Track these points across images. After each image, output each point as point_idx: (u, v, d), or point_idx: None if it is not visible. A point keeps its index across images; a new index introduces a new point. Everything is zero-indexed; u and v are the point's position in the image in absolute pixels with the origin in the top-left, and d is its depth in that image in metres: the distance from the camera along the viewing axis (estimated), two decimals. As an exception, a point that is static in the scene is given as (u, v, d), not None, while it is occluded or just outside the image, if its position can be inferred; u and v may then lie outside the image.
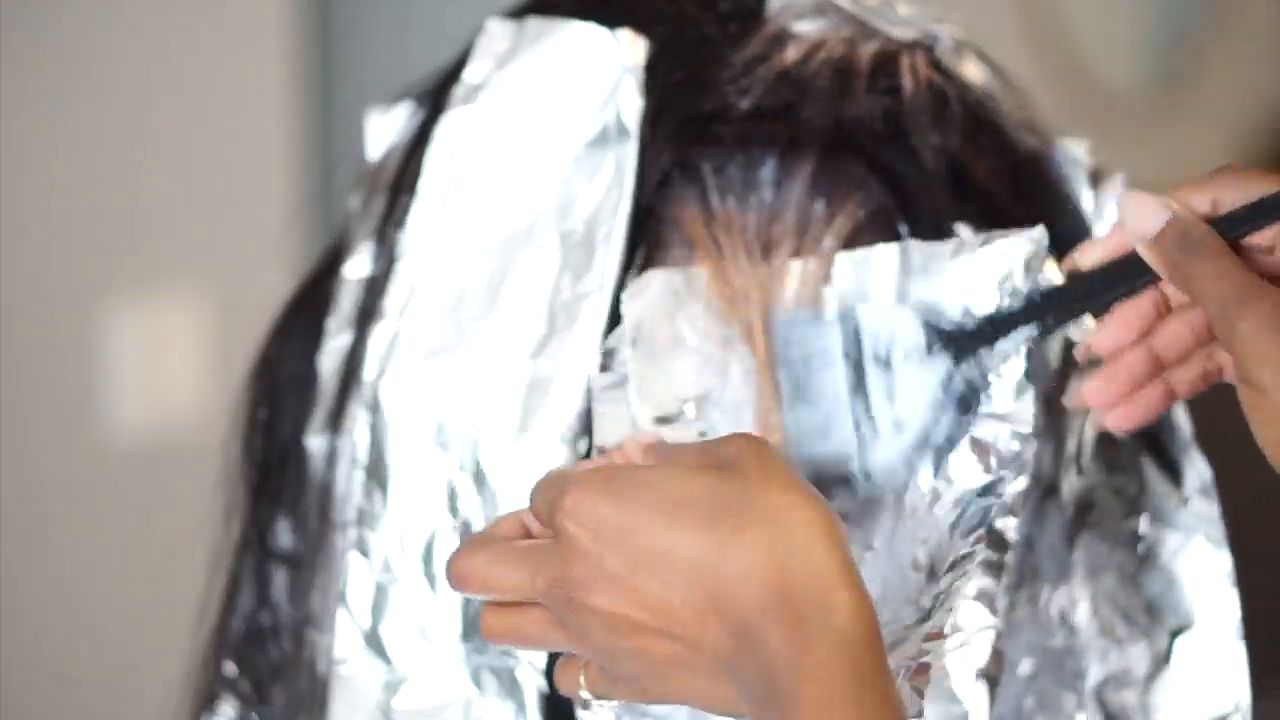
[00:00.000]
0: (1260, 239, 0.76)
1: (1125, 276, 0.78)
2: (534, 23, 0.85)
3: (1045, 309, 0.78)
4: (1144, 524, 0.84)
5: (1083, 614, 0.86)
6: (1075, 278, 0.79)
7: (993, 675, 0.76)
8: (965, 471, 0.78)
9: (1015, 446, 0.78)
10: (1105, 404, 0.80)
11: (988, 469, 0.78)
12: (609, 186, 0.82)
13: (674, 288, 0.81)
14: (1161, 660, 0.86)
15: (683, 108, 0.83)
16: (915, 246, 0.80)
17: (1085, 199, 0.86)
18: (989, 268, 0.79)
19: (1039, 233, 0.79)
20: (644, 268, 0.82)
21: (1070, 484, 0.82)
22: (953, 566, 0.78)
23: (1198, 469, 0.84)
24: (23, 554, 1.78)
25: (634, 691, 0.77)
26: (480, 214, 0.84)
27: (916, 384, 0.80)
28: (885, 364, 0.80)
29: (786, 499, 0.73)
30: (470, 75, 0.86)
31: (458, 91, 0.86)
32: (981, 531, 0.77)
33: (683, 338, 0.80)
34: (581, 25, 0.84)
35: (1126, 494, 0.84)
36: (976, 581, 0.77)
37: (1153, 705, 0.86)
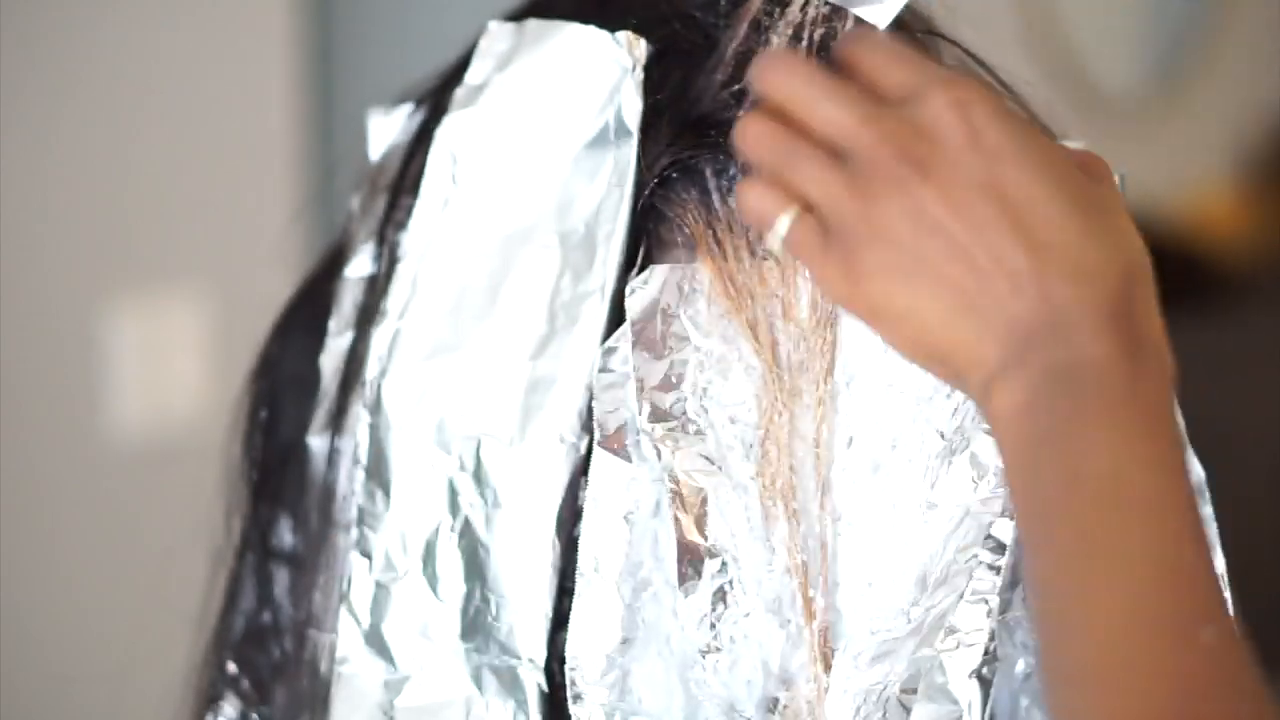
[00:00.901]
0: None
1: None
2: (534, 25, 0.86)
3: None
4: (1141, 524, 0.84)
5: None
6: None
7: (987, 675, 0.76)
8: (963, 489, 0.78)
9: None
10: None
11: (986, 487, 0.78)
12: (609, 187, 0.82)
13: (677, 283, 0.81)
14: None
15: (683, 109, 0.83)
16: None
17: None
18: None
19: None
20: (644, 268, 0.82)
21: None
22: (945, 580, 0.78)
23: (1192, 470, 0.84)
24: (23, 554, 1.78)
25: (846, 271, 0.75)
26: (481, 214, 0.84)
27: None
28: None
29: (1138, 237, 0.74)
30: (471, 77, 0.86)
31: (459, 93, 0.86)
32: (976, 548, 0.77)
33: (685, 333, 0.81)
34: (581, 27, 0.84)
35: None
36: (973, 583, 0.77)
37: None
